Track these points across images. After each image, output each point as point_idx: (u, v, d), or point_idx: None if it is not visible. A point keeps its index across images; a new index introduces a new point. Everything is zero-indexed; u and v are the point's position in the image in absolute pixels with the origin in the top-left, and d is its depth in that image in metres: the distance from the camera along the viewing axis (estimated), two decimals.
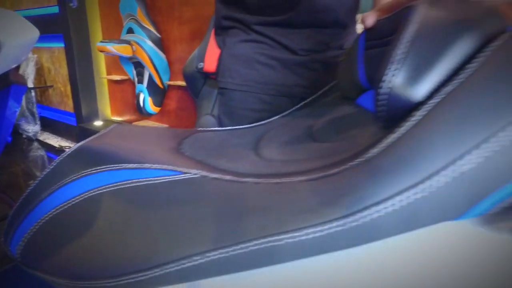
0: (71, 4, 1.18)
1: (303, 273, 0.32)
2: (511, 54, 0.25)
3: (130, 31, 2.16)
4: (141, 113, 2.35)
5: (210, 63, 1.53)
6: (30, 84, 3.01)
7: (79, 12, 2.65)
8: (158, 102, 2.30)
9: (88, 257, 0.37)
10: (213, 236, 0.30)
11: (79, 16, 2.66)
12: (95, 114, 2.90)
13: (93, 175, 0.42)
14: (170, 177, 0.39)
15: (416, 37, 0.30)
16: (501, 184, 0.23)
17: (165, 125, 2.38)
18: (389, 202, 0.24)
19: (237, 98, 0.76)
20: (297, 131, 0.50)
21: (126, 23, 2.19)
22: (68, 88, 2.95)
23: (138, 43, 2.07)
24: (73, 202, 0.40)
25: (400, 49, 0.30)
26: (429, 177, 0.24)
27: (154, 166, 0.40)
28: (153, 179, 0.39)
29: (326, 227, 0.26)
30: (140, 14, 2.09)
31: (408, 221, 0.25)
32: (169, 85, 2.27)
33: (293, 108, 0.62)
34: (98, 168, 0.42)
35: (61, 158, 0.46)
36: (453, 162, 0.23)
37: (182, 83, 2.14)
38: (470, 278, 0.26)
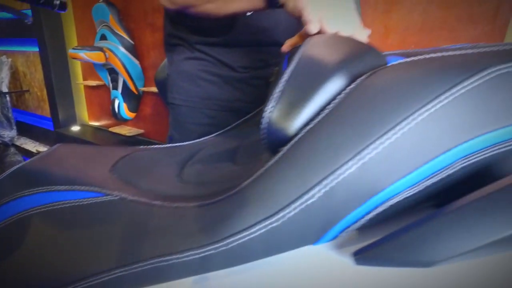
0: (26, 21, 1.20)
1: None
2: (364, 92, 0.30)
3: (103, 37, 2.17)
4: (117, 119, 2.36)
5: None
6: (4, 89, 2.98)
7: (54, 18, 2.64)
8: (133, 108, 2.32)
9: (17, 276, 0.40)
10: (117, 256, 0.35)
11: (53, 21, 2.65)
12: (72, 119, 2.89)
13: (27, 197, 0.45)
14: (94, 198, 0.43)
15: (291, 77, 0.35)
16: (346, 213, 0.28)
17: (141, 130, 2.40)
18: (253, 229, 0.29)
19: (184, 113, 0.80)
20: (223, 151, 0.54)
21: (99, 30, 2.20)
22: (45, 92, 2.94)
23: (111, 50, 2.09)
24: (5, 224, 0.44)
25: (278, 88, 0.35)
26: (282, 208, 0.28)
27: (82, 188, 0.44)
28: (79, 200, 0.43)
29: (203, 250, 0.30)
30: (112, 21, 2.11)
31: (271, 246, 0.29)
32: (144, 91, 2.29)
33: (232, 126, 0.67)
34: (32, 190, 0.46)
35: (0, 179, 0.49)
36: (301, 196, 0.28)
37: (155, 89, 2.16)
38: None
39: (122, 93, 2.25)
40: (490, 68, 0.26)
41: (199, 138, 0.67)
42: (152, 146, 0.63)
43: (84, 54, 1.99)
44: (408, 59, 0.32)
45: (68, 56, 2.73)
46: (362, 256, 0.27)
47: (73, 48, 2.08)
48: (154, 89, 2.19)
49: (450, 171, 0.26)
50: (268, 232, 0.29)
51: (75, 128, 2.83)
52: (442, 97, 0.26)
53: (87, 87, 2.77)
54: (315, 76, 0.33)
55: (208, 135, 0.68)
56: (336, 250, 0.29)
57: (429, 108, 0.25)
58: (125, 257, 0.34)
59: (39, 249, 0.41)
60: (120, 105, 2.28)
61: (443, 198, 0.28)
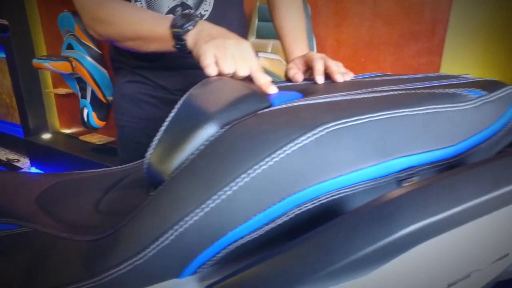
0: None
1: None
2: (218, 143, 0.34)
3: (70, 47, 2.17)
4: (86, 127, 2.36)
5: None
6: None
7: (21, 25, 2.62)
8: (102, 117, 2.32)
9: None
10: (18, 286, 0.38)
11: (20, 28, 2.62)
12: (43, 127, 2.87)
13: None
14: (9, 231, 0.46)
15: (169, 124, 0.39)
16: (198, 253, 0.32)
17: (112, 138, 2.40)
18: (122, 266, 0.33)
19: (127, 133, 0.83)
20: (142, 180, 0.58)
21: (66, 39, 2.19)
22: (14, 99, 2.90)
23: (77, 60, 2.08)
24: None
25: (157, 135, 0.39)
26: (143, 248, 0.32)
27: None
28: None
29: (84, 283, 0.34)
30: (78, 31, 2.11)
31: (139, 280, 0.33)
32: (112, 100, 2.29)
33: None
34: None
35: None
36: (158, 238, 0.32)
37: None
38: None
39: (91, 102, 2.25)
40: (322, 125, 0.31)
41: (141, 158, 0.70)
42: (85, 172, 0.65)
43: (49, 64, 1.98)
44: (266, 110, 0.36)
45: None
46: None
47: (38, 58, 2.07)
48: None
49: (285, 218, 0.31)
50: (134, 268, 0.32)
51: (46, 136, 2.81)
52: (277, 153, 0.30)
53: (58, 95, 2.75)
54: (188, 123, 0.37)
55: None
56: (197, 282, 0.33)
57: (263, 165, 0.30)
58: (25, 287, 0.38)
59: None
60: (89, 114, 2.28)
61: (293, 235, 0.32)
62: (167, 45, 0.60)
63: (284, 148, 0.30)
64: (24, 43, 2.66)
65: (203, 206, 0.30)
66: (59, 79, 2.62)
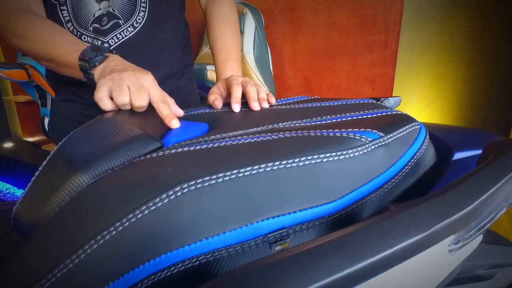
0: None
1: None
2: (74, 202, 0.30)
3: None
4: (48, 136, 2.27)
5: None
6: None
7: None
8: None
9: None
10: None
11: None
12: (5, 135, 2.76)
13: None
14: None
15: (38, 176, 0.35)
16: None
17: None
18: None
19: None
20: None
21: None
22: None
23: (34, 67, 1.99)
24: None
25: (26, 188, 0.35)
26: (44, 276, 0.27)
27: None
28: None
29: None
30: None
31: None
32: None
33: None
34: None
35: None
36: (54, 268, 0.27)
37: None
38: None
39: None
40: (181, 184, 0.28)
41: None
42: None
43: (1, 73, 1.89)
44: (142, 159, 0.33)
45: None
46: None
47: None
48: None
49: (142, 286, 0.27)
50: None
51: (8, 145, 2.70)
52: (128, 217, 0.27)
53: (19, 103, 2.64)
54: (58, 172, 0.34)
55: None
56: None
57: (112, 230, 0.26)
58: None
59: None
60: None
61: None
62: (77, 74, 0.56)
63: (136, 212, 0.27)
64: None
65: (50, 276, 0.26)
66: (19, 86, 2.52)
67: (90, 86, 0.74)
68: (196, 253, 0.28)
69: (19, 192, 2.52)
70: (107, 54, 0.56)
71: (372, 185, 0.33)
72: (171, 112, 0.47)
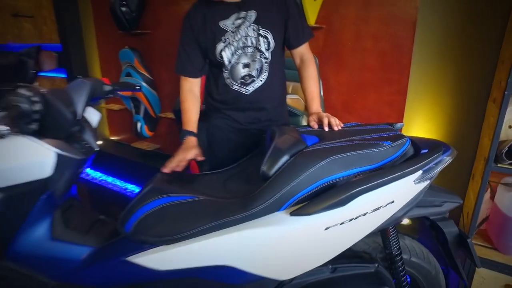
0: (137, 87, 1.61)
1: None
2: (293, 163, 0.94)
3: (128, 75, 2.78)
4: (138, 136, 2.97)
5: None
6: None
7: (80, 53, 3.24)
8: (152, 128, 2.94)
9: (164, 226, 1.03)
10: (200, 219, 0.99)
11: (79, 56, 3.25)
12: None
13: (159, 199, 1.08)
14: (191, 199, 1.07)
15: (271, 152, 0.99)
16: (289, 199, 0.93)
17: (158, 146, 3.02)
18: (263, 204, 0.93)
19: (216, 147, 1.45)
20: (236, 174, 1.18)
21: (125, 68, 2.80)
22: None
23: (141, 89, 2.69)
24: (153, 210, 1.06)
25: (265, 157, 0.99)
26: (259, 205, 0.92)
27: (184, 194, 1.08)
28: (183, 200, 1.07)
29: (243, 213, 0.95)
30: (136, 63, 2.72)
31: (270, 210, 0.94)
32: (160, 116, 2.91)
33: (239, 162, 1.30)
34: (161, 196, 1.08)
35: (149, 185, 1.12)
36: (269, 199, 0.92)
37: (170, 115, 2.79)
38: None
39: (143, 117, 2.86)
40: (328, 158, 0.91)
41: (225, 159, 1.33)
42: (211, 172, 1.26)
43: (120, 92, 2.59)
44: (305, 150, 0.96)
45: None
46: (294, 212, 0.91)
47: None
48: (169, 114, 2.81)
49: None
50: (268, 205, 0.92)
51: (99, 142, 3.41)
52: (311, 169, 0.90)
53: (108, 110, 3.36)
54: (280, 154, 0.98)
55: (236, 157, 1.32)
56: (287, 211, 0.93)
57: (310, 170, 0.91)
58: (203, 220, 0.98)
59: (172, 217, 1.04)
60: (142, 126, 2.89)
61: None
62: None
63: (312, 168, 0.90)
64: (82, 67, 3.29)
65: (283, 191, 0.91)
66: (113, 98, 3.23)
67: (231, 109, 1.40)
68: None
69: (109, 179, 3.23)
70: (185, 138, 1.27)
71: (386, 160, 0.95)
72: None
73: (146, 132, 2.92)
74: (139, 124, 2.90)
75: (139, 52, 2.76)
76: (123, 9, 2.53)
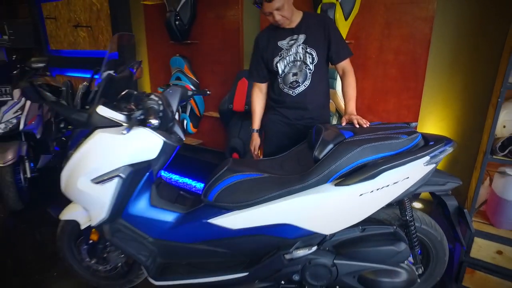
0: (208, 92, 1.95)
1: None
2: (336, 149, 1.34)
3: (178, 78, 3.21)
4: (184, 133, 3.41)
5: (237, 105, 2.78)
6: None
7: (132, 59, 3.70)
8: (196, 125, 3.37)
9: (240, 195, 1.45)
10: (265, 189, 1.39)
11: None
12: None
13: (237, 176, 1.50)
14: (258, 176, 1.48)
15: (320, 142, 1.39)
16: (335, 173, 1.32)
17: (201, 141, 3.45)
18: (317, 176, 1.32)
19: (272, 136, 1.88)
20: (292, 156, 1.58)
21: (175, 73, 3.24)
22: None
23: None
24: (233, 183, 1.48)
25: (316, 146, 1.39)
26: (311, 178, 1.32)
27: (254, 172, 1.49)
28: (254, 177, 1.48)
29: (301, 184, 1.34)
30: (186, 69, 3.15)
31: (321, 182, 1.33)
32: (204, 114, 3.34)
33: (291, 150, 1.69)
34: (238, 173, 1.50)
35: (225, 166, 1.54)
36: (319, 175, 1.32)
37: (213, 113, 3.21)
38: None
39: (189, 115, 3.30)
40: (362, 146, 1.30)
41: (277, 146, 1.76)
42: (266, 158, 1.67)
43: None
44: (345, 140, 1.35)
45: (142, 86, 3.78)
46: (338, 184, 1.30)
47: (160, 87, 3.12)
48: (212, 113, 3.23)
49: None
50: (307, 185, 1.32)
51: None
52: (352, 151, 1.29)
53: None
54: (327, 142, 1.37)
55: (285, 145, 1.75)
56: (332, 183, 1.32)
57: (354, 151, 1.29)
58: (271, 190, 1.39)
59: (244, 189, 1.44)
60: (187, 124, 3.33)
61: None
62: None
63: (351, 152, 1.29)
64: None
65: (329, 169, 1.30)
66: None
67: (282, 107, 1.82)
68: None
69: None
70: (252, 134, 1.77)
71: (403, 149, 1.32)
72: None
73: (191, 128, 3.35)
74: (185, 122, 3.33)
75: (188, 59, 3.19)
76: (177, 22, 2.97)
